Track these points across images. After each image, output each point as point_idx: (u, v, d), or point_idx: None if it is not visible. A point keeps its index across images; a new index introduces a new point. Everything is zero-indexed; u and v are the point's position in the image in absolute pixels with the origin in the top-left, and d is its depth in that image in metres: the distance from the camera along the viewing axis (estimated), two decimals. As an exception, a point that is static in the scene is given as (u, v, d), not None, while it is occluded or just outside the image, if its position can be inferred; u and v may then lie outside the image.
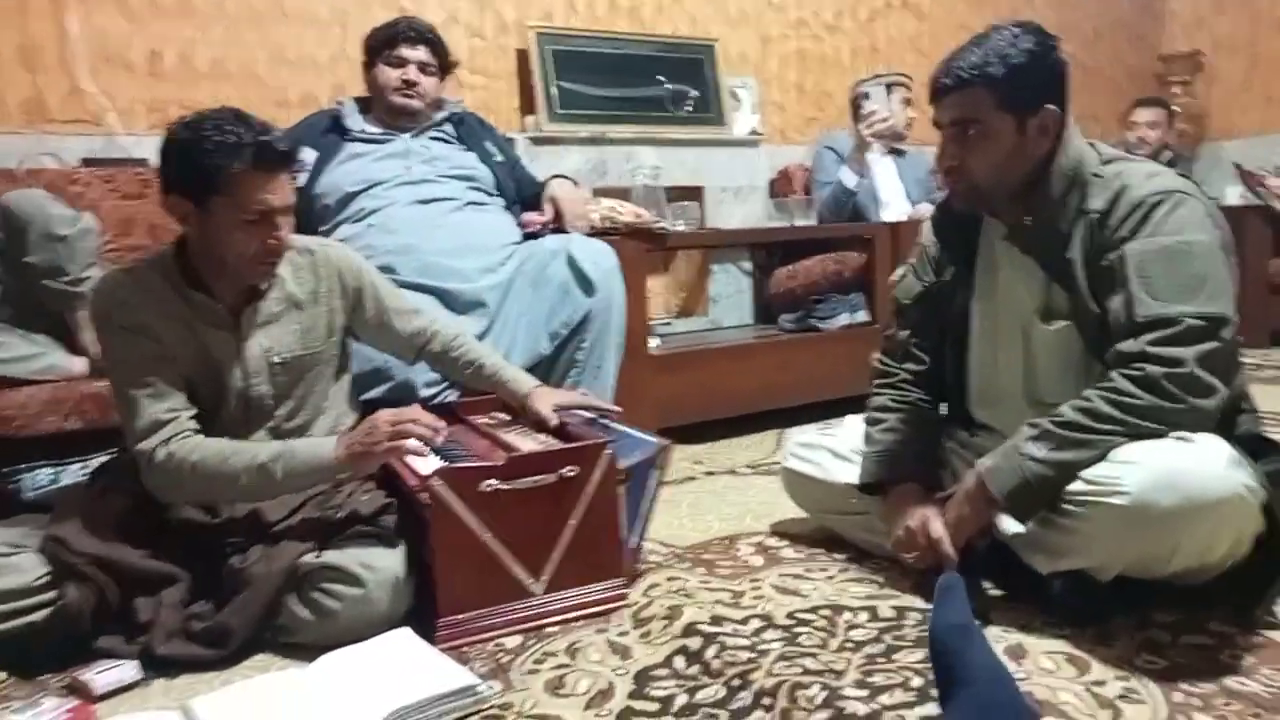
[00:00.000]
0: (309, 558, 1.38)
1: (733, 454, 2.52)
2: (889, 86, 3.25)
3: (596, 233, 2.32)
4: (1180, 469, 1.16)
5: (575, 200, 2.33)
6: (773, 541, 1.75)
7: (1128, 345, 1.26)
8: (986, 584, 1.41)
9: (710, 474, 2.33)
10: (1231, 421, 1.32)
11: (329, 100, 2.56)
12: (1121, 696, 1.10)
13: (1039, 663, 1.20)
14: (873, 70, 3.62)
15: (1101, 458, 1.23)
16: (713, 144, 3.51)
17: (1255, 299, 3.53)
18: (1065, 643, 1.25)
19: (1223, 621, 1.27)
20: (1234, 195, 3.86)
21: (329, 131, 2.23)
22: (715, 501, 2.07)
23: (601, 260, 2.12)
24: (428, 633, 1.34)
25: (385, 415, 1.43)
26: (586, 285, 2.08)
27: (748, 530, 1.82)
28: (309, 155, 2.14)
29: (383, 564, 1.37)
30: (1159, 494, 1.15)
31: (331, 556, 1.38)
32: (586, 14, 3.34)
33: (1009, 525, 1.32)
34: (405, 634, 1.32)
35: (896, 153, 3.33)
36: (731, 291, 3.64)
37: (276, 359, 1.54)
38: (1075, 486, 1.23)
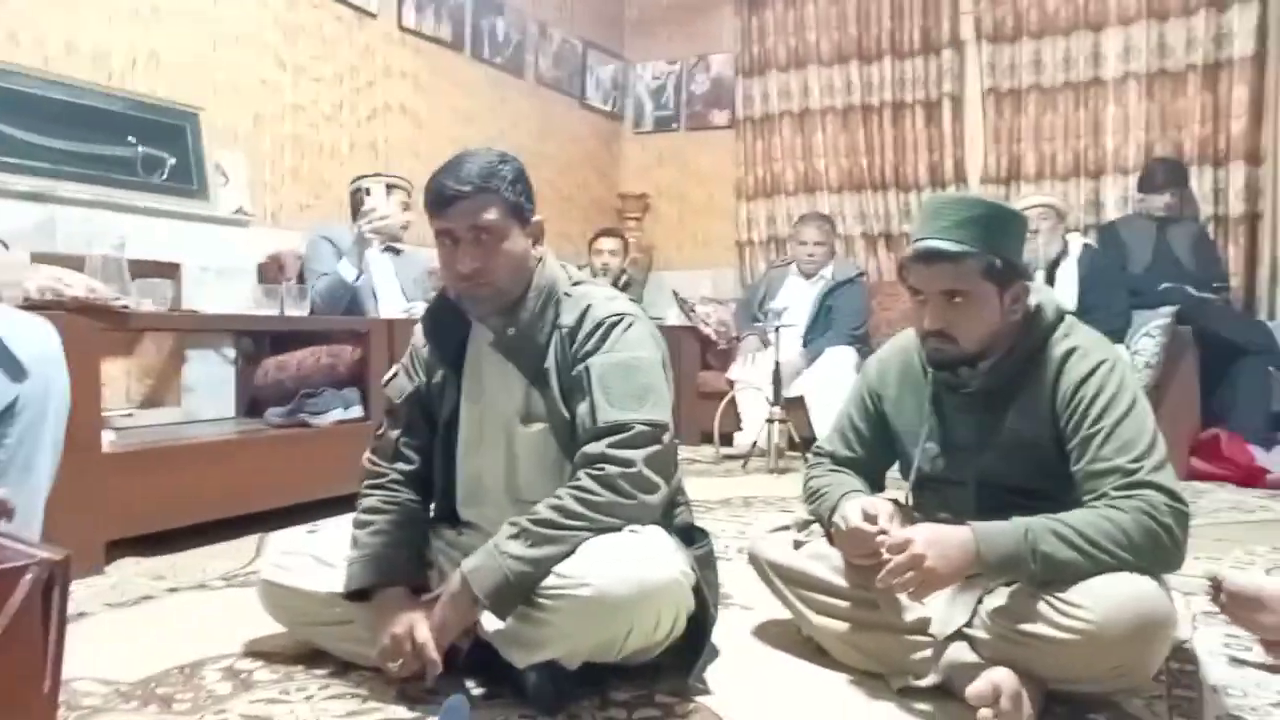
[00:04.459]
0: None
1: (204, 565, 2.25)
2: (389, 187, 3.32)
3: (33, 306, 1.95)
4: (634, 560, 1.32)
5: (2, 265, 1.92)
6: (245, 664, 1.58)
7: (591, 448, 1.41)
8: (470, 683, 1.43)
9: (174, 590, 2.04)
10: (671, 513, 1.54)
11: None
12: (587, 778, 1.18)
13: (516, 757, 1.24)
14: (373, 168, 3.66)
15: (572, 552, 1.34)
16: (193, 219, 3.20)
17: (689, 404, 4.25)
18: (540, 733, 1.31)
19: (666, 693, 1.44)
20: (674, 317, 4.64)
21: None
22: (178, 623, 1.81)
23: (37, 339, 1.76)
24: None
25: None
26: (15, 369, 1.71)
27: (216, 654, 1.62)
28: None
29: None
30: (617, 584, 1.29)
31: None
32: (34, 51, 2.85)
33: (489, 622, 1.37)
34: None
35: (393, 250, 3.39)
36: (211, 381, 3.31)
37: None
38: (547, 581, 1.32)
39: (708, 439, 4.17)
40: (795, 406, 3.90)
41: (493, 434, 1.56)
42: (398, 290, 3.36)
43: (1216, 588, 1.57)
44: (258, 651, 1.63)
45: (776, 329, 3.78)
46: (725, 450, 4.04)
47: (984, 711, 1.28)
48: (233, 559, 2.31)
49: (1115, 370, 1.44)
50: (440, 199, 1.46)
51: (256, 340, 3.19)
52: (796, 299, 4.25)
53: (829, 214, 4.83)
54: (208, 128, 3.29)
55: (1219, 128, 4.29)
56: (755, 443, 3.86)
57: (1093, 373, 1.43)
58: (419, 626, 1.37)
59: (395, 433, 1.63)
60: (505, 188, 1.47)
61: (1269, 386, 3.69)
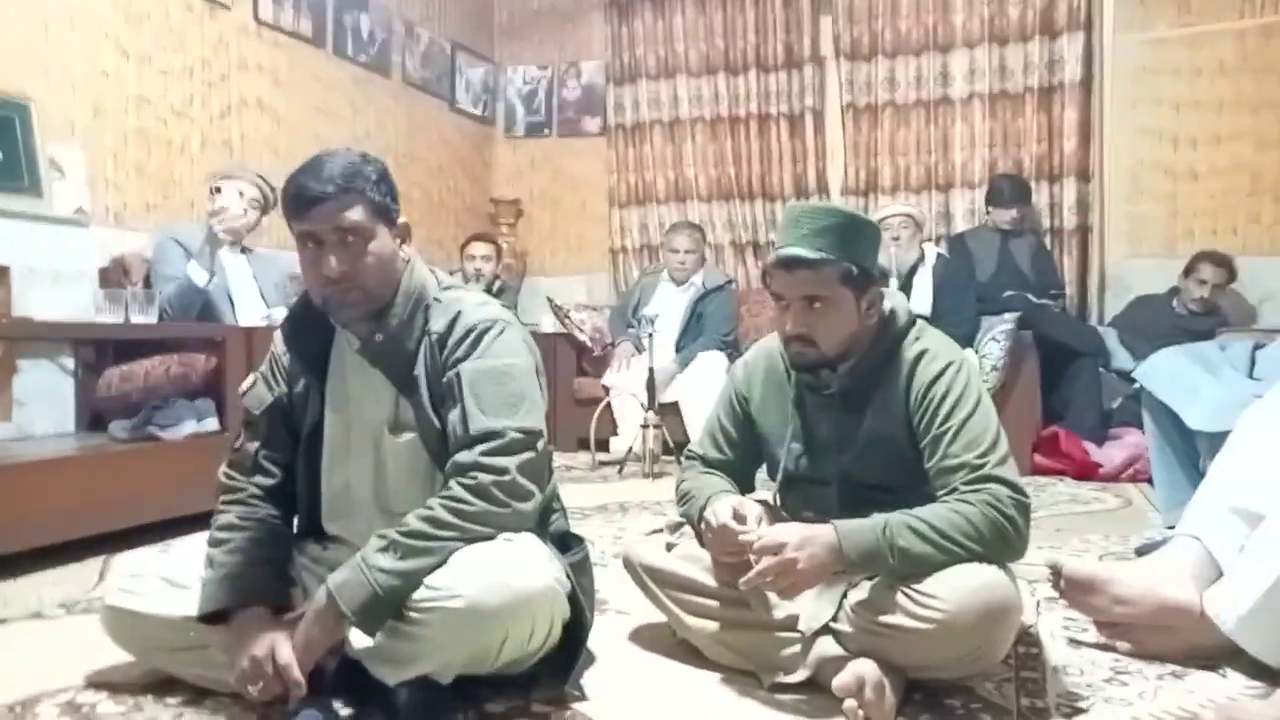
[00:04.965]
0: None
1: (40, 593, 2.07)
2: (241, 183, 3.16)
3: None
4: (506, 569, 1.30)
5: None
6: (87, 696, 1.47)
7: (463, 456, 1.38)
8: (337, 703, 1.38)
9: (3, 622, 1.87)
10: (546, 520, 1.53)
11: None
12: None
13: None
14: (227, 164, 3.48)
15: (444, 563, 1.31)
16: (24, 218, 2.96)
17: (565, 411, 4.24)
18: (411, 751, 1.28)
19: (542, 703, 1.43)
20: (548, 324, 4.61)
21: None
22: (10, 657, 1.67)
23: None
24: None
25: None
26: None
27: (54, 688, 1.50)
28: None
29: None
30: (489, 594, 1.27)
31: None
32: None
33: (357, 639, 1.32)
34: None
35: (247, 251, 3.23)
36: (47, 393, 3.06)
37: None
38: (418, 594, 1.29)
39: (584, 445, 4.17)
40: (669, 411, 3.95)
41: (360, 444, 1.52)
42: (256, 294, 3.21)
43: (1057, 575, 1.69)
44: (102, 683, 1.52)
45: (650, 335, 3.82)
46: (601, 456, 4.04)
47: (849, 702, 1.33)
48: (74, 585, 2.14)
49: (962, 372, 1.53)
50: (302, 200, 1.40)
51: (99, 349, 2.98)
52: (669, 306, 4.31)
53: (699, 222, 4.92)
54: (41, 120, 3.05)
55: (1053, 146, 4.62)
56: (631, 448, 3.88)
57: (941, 374, 1.52)
58: (281, 647, 1.31)
59: (254, 445, 1.56)
60: (370, 188, 1.43)
61: (1100, 387, 4.00)
